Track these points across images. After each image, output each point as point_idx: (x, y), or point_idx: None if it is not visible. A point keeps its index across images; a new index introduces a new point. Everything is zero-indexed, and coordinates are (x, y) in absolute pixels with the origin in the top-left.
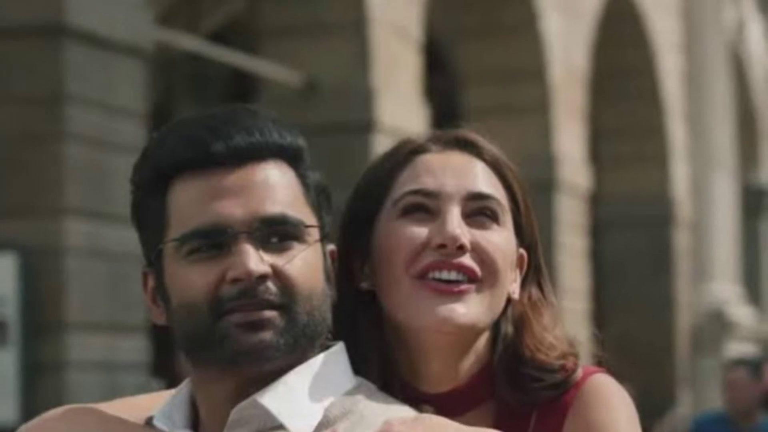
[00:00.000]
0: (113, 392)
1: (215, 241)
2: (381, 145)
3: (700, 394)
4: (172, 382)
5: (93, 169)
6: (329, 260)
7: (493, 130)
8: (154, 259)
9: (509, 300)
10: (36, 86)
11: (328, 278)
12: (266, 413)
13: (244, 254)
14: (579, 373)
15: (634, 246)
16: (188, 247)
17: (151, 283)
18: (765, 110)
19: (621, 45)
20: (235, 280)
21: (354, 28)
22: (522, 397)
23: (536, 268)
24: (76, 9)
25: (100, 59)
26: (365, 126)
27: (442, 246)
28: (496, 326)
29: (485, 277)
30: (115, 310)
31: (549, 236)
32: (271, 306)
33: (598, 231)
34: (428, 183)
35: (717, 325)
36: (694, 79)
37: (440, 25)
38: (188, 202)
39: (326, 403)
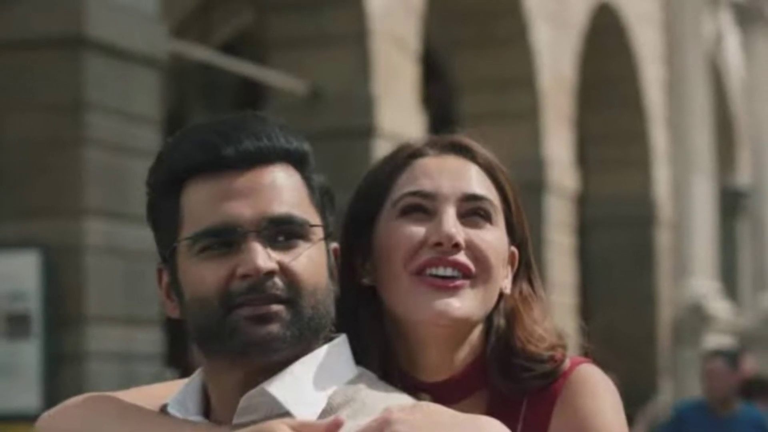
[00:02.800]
0: (130, 381)
1: (226, 239)
2: (381, 149)
3: (680, 384)
4: (185, 372)
5: (111, 172)
6: (332, 257)
7: (487, 135)
8: (168, 257)
9: (501, 294)
10: (58, 94)
11: (331, 274)
12: (273, 401)
13: (253, 252)
14: (567, 363)
15: (619, 244)
16: (200, 245)
17: (165, 279)
18: (741, 117)
19: (606, 55)
20: (244, 276)
21: (356, 39)
22: (513, 386)
23: (527, 264)
24: (96, 22)
25: (118, 69)
26: (366, 131)
27: (439, 244)
28: (489, 319)
29: (479, 273)
30: (131, 304)
31: (539, 235)
32: (278, 300)
33: (585, 230)
34: (425, 185)
35: (696, 318)
36: (674, 87)
37: (437, 37)
38: (200, 203)
39: (330, 391)
